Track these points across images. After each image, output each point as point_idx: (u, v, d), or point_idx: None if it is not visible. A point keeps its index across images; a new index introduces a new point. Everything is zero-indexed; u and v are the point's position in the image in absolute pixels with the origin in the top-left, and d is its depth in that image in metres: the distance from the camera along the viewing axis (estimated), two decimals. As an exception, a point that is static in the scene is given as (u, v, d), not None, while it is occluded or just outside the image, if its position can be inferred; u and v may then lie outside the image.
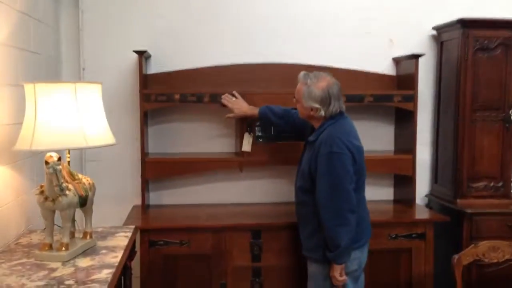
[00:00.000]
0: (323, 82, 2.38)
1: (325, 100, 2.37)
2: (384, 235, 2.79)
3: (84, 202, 2.05)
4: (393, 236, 2.83)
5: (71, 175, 2.04)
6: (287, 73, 3.07)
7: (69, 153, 2.11)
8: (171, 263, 2.71)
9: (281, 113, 2.75)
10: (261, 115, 2.80)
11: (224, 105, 2.89)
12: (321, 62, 3.14)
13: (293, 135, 2.84)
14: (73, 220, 2.11)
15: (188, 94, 2.92)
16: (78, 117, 1.96)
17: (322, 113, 2.38)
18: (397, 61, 3.28)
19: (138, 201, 2.98)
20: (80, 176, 2.10)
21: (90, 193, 2.10)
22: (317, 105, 2.37)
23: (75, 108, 1.95)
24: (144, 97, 2.89)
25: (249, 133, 2.94)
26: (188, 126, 3.20)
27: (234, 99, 2.89)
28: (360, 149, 2.39)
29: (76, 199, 1.98)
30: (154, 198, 3.19)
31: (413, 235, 2.84)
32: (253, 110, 2.84)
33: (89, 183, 2.11)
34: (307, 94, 2.38)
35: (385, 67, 3.29)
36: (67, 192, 1.93)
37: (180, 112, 3.17)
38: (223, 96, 2.88)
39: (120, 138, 3.05)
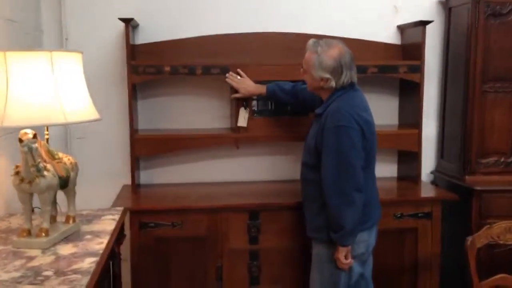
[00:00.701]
0: (335, 50, 2.19)
1: (337, 70, 2.19)
2: (388, 214, 2.63)
3: (65, 183, 1.87)
4: (398, 216, 2.67)
5: (50, 154, 1.85)
6: (286, 43, 2.91)
7: (47, 130, 1.92)
8: (163, 246, 2.55)
9: (290, 89, 2.61)
10: (269, 93, 2.65)
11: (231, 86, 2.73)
12: (322, 30, 2.92)
13: (303, 111, 2.71)
14: (54, 203, 1.94)
15: (179, 66, 2.71)
16: (56, 90, 1.76)
17: (333, 83, 2.20)
18: (402, 29, 3.08)
19: (128, 181, 2.81)
20: (60, 155, 1.91)
21: (72, 173, 1.91)
22: (327, 75, 2.19)
23: (52, 80, 1.76)
24: (132, 69, 2.68)
25: (245, 108, 2.75)
26: (180, 100, 3.00)
27: (239, 78, 2.70)
28: (369, 123, 2.22)
29: (55, 180, 1.79)
30: (145, 177, 3.02)
31: (419, 214, 2.69)
32: (260, 89, 2.67)
33: (71, 163, 1.93)
34: (318, 64, 2.20)
35: (389, 36, 3.09)
36: (45, 173, 1.74)
37: (171, 85, 2.97)
38: (227, 75, 2.70)
39: (108, 113, 2.90)
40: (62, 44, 2.88)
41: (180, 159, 3.03)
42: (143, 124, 2.98)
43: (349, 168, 2.12)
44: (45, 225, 1.79)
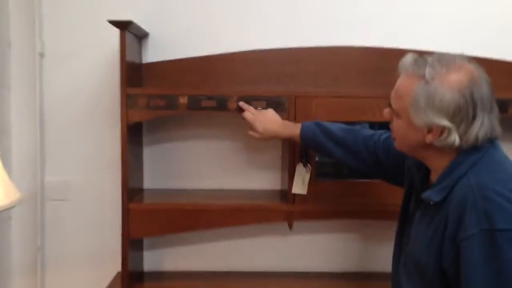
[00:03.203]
0: (459, 75, 1.14)
1: (463, 112, 1.13)
2: None
3: None
4: None
5: None
6: (364, 63, 1.93)
7: None
8: None
9: (343, 135, 1.53)
10: (304, 137, 1.59)
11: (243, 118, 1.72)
12: (422, 45, 1.89)
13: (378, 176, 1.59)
14: None
15: (202, 97, 1.75)
16: None
17: (455, 139, 1.14)
18: (548, 42, 2.02)
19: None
20: None
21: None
22: (445, 123, 1.13)
23: None
24: (129, 102, 1.74)
25: (305, 165, 1.72)
26: (203, 147, 2.02)
27: (259, 109, 1.70)
28: None
29: None
30: (151, 260, 2.05)
31: None
32: (289, 129, 1.63)
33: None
34: (424, 99, 1.14)
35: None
36: None
37: (191, 124, 2.01)
38: (240, 104, 1.71)
39: (99, 166, 2.02)
40: (34, 62, 1.98)
41: (202, 237, 2.05)
42: (150, 181, 2.03)
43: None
44: None
